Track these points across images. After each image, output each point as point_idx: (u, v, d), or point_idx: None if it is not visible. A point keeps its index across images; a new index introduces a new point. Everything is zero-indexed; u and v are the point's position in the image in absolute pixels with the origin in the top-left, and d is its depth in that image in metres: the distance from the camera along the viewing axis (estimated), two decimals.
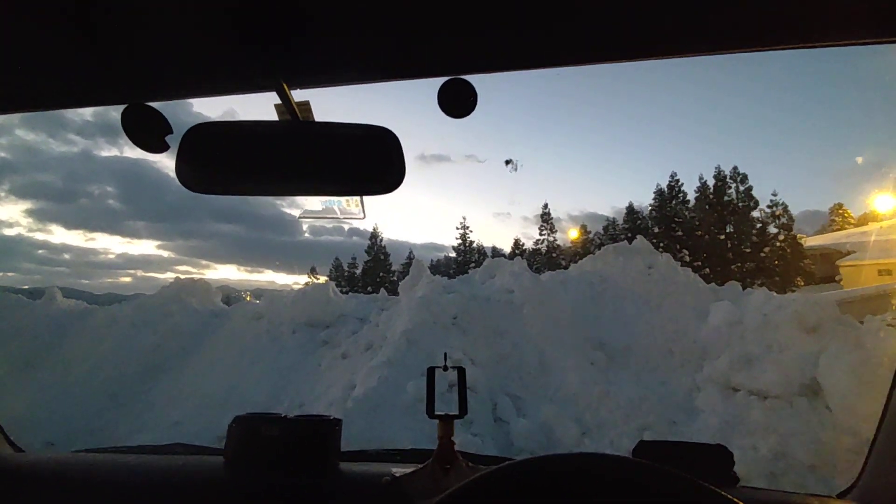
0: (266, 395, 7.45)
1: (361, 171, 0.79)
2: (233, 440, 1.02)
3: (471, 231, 47.13)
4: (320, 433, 1.05)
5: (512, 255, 32.48)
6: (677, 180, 37.35)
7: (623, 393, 6.01)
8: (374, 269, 44.60)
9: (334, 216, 0.94)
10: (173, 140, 0.80)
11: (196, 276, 12.24)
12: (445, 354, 1.11)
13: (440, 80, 0.80)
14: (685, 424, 5.08)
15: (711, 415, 4.96)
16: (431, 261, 48.39)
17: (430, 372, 1.05)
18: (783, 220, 34.42)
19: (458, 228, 45.69)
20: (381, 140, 0.77)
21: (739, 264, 32.56)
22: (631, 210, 38.90)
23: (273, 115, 0.84)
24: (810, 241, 34.77)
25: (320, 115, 0.85)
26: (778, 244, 33.30)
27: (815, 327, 5.29)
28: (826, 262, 30.89)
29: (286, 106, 0.77)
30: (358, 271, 46.41)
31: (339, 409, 5.95)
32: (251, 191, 0.79)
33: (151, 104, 0.81)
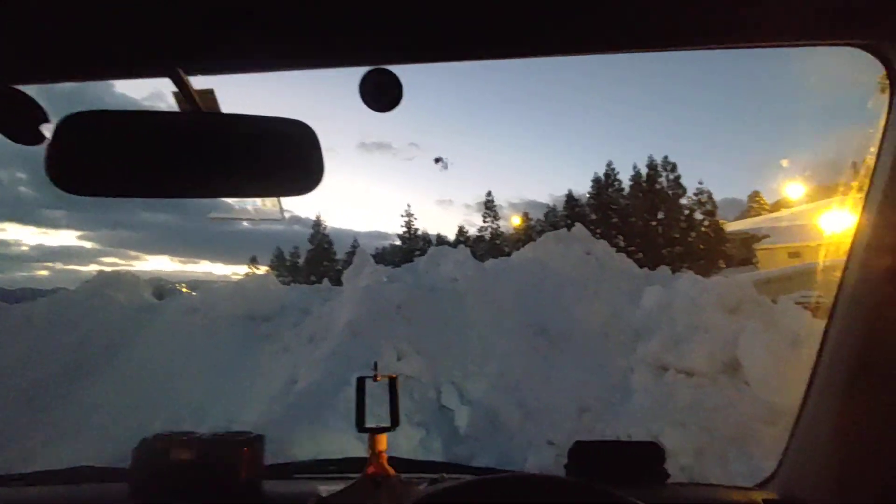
0: (202, 394, 7.10)
1: (274, 171, 0.70)
2: (138, 466, 0.92)
3: (415, 219, 46.90)
4: (239, 453, 0.95)
5: (456, 243, 32.69)
6: (613, 168, 38.89)
7: (563, 377, 6.22)
8: (318, 259, 43.54)
9: (249, 217, 0.86)
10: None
11: (124, 269, 11.49)
12: (375, 364, 1.05)
13: (364, 70, 0.74)
14: (620, 405, 5.33)
15: (644, 394, 5.23)
16: (377, 249, 47.79)
17: (360, 382, 0.98)
18: (708, 206, 36.78)
19: (402, 216, 45.34)
20: (296, 136, 0.68)
21: (669, 249, 34.50)
22: (570, 198, 40.11)
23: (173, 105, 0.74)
24: (731, 227, 37.35)
25: (229, 105, 0.76)
26: (703, 229, 35.60)
27: (735, 308, 5.68)
28: (744, 245, 33.33)
29: (184, 95, 0.68)
30: (301, 261, 45.16)
31: (280, 405, 5.78)
32: (141, 192, 0.69)
33: (21, 87, 0.69)
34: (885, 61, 0.68)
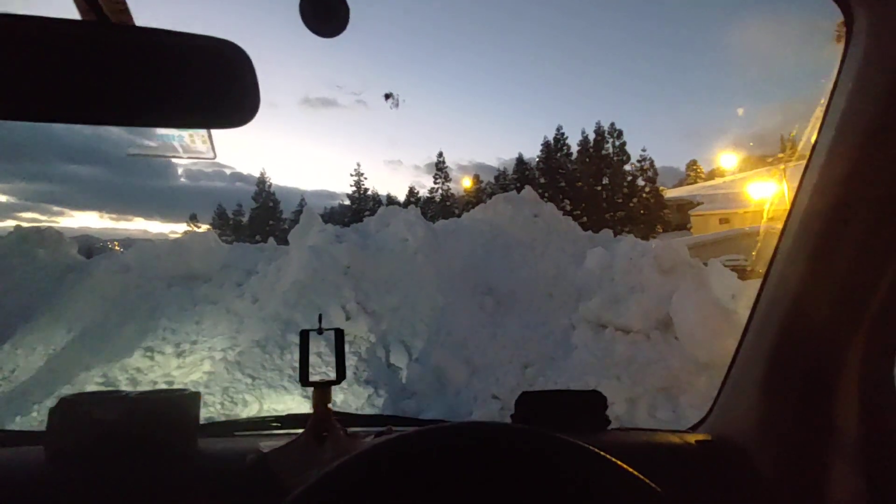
0: (138, 357, 6.77)
1: (202, 97, 0.60)
2: (55, 428, 0.83)
3: (365, 178, 45.97)
4: (170, 411, 0.88)
5: (407, 204, 32.43)
6: (563, 133, 39.49)
7: (508, 334, 6.42)
8: (263, 217, 42.05)
9: (174, 154, 0.75)
10: None
11: (46, 225, 10.51)
12: (320, 316, 1.00)
13: None
14: (562, 360, 5.58)
15: (584, 350, 5.49)
16: (325, 209, 46.80)
17: (304, 335, 0.92)
18: (649, 173, 38.34)
19: (352, 175, 44.27)
20: (227, 58, 0.58)
21: (612, 213, 35.91)
22: (520, 161, 40.58)
23: (73, 12, 0.62)
24: (669, 193, 39.33)
25: (145, 23, 0.65)
26: (644, 195, 37.17)
27: (670, 269, 6.01)
28: (681, 211, 35.29)
29: (87, 1, 0.57)
30: (244, 219, 43.48)
31: (222, 367, 5.62)
32: (39, 115, 0.56)
33: None
34: (845, 7, 0.68)
